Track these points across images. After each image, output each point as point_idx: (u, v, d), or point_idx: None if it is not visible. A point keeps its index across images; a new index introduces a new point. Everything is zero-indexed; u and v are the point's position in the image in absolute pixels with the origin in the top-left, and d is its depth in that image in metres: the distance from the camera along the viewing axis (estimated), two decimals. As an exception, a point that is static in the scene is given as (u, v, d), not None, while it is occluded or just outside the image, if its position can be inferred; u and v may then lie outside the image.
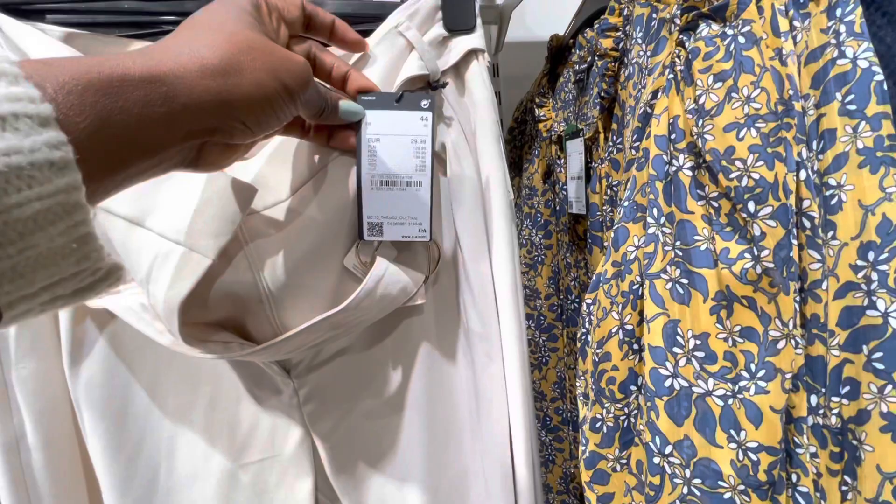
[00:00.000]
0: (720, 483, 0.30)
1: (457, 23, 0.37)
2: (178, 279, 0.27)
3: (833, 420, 0.29)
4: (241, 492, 0.36)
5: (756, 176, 0.28)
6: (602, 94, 0.48)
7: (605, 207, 0.51)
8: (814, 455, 0.30)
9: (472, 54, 0.39)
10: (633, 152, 0.40)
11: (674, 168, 0.34)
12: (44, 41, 0.29)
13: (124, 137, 0.17)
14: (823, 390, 0.30)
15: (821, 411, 0.30)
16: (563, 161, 0.62)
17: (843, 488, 0.30)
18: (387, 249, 0.35)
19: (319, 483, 0.38)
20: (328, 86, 0.31)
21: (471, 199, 0.40)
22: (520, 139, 0.75)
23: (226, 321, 0.33)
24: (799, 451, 0.30)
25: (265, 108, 0.22)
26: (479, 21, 0.39)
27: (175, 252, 0.28)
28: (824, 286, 0.29)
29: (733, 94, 0.29)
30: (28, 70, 0.14)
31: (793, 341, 0.28)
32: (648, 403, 0.33)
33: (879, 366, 0.27)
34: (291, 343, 0.31)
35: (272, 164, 0.32)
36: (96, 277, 0.17)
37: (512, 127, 0.76)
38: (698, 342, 0.31)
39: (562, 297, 0.67)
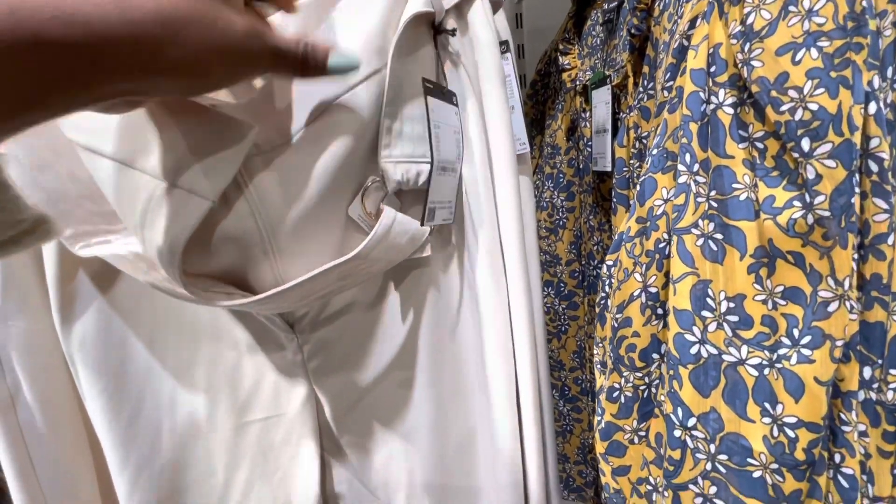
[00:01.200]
0: (749, 460, 0.27)
1: None
2: (175, 223, 0.26)
3: (890, 395, 0.25)
4: (246, 449, 0.36)
5: (814, 107, 0.24)
6: (633, 31, 0.42)
7: (632, 162, 0.47)
8: (863, 434, 0.26)
9: None
10: (666, 94, 0.35)
11: (712, 106, 0.29)
12: None
13: (23, 80, 0.14)
14: (880, 362, 0.25)
15: (875, 385, 0.26)
16: (588, 114, 0.57)
17: (896, 472, 0.26)
18: (392, 200, 0.33)
19: (325, 441, 0.38)
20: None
21: (478, 150, 0.37)
22: (542, 93, 0.70)
23: (227, 273, 0.32)
24: (845, 428, 0.26)
25: (195, 82, 0.19)
26: None
27: (172, 195, 0.26)
28: (890, 241, 0.25)
29: (791, 8, 0.24)
30: None
31: (847, 304, 0.24)
32: (671, 372, 0.30)
33: (954, 334, 0.23)
34: (296, 293, 0.29)
35: (270, 101, 0.29)
36: (19, 230, 0.15)
37: (534, 80, 0.70)
38: (731, 305, 0.28)
39: (583, 262, 0.63)
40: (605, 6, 0.50)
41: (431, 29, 0.34)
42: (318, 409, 0.37)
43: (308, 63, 0.24)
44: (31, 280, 0.32)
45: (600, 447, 0.40)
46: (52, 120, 0.17)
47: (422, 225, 0.33)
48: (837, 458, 0.27)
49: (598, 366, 0.41)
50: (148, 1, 0.17)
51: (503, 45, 0.42)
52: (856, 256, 0.25)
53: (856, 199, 0.24)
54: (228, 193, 0.29)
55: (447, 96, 0.34)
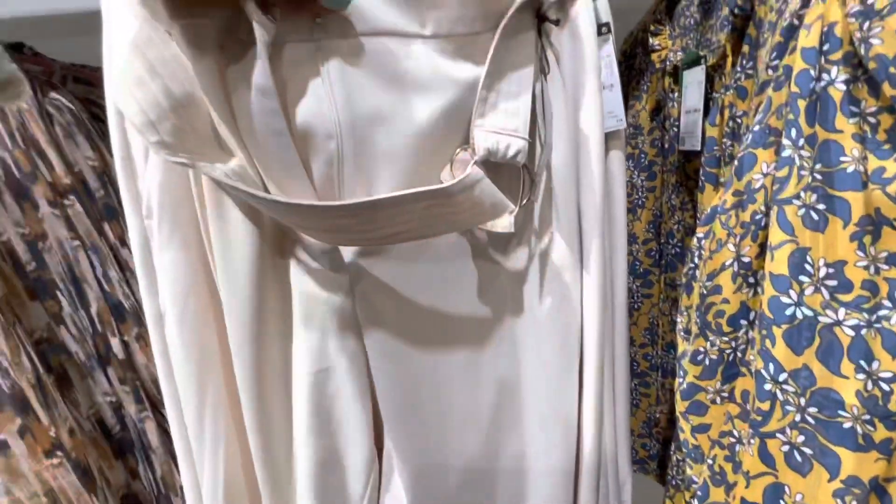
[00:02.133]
0: (840, 412, 0.29)
1: None
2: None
3: None
4: (302, 397, 0.37)
5: (933, 82, 0.25)
6: (736, 10, 0.43)
7: (724, 141, 0.48)
8: (960, 396, 0.28)
9: None
10: (771, 72, 0.36)
11: (822, 83, 0.31)
12: None
13: None
14: (984, 328, 0.27)
15: (977, 351, 0.27)
16: (676, 94, 0.58)
17: None
18: (480, 168, 0.34)
19: (379, 400, 0.39)
20: None
21: (566, 136, 0.39)
22: (626, 75, 0.71)
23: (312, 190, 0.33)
24: (942, 389, 0.28)
25: None
26: None
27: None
28: None
29: (915, -12, 0.25)
30: None
31: (954, 268, 0.26)
32: (764, 331, 0.32)
33: None
34: (383, 213, 0.30)
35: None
36: None
37: (619, 62, 0.71)
38: (831, 270, 0.30)
39: (662, 241, 0.65)
40: (703, -14, 0.51)
41: (535, 16, 0.36)
42: (368, 371, 0.38)
43: None
44: (184, 214, 0.36)
45: (681, 406, 0.43)
46: None
47: (523, 203, 0.35)
48: (931, 416, 0.28)
49: (682, 333, 0.44)
50: None
51: (605, 26, 0.44)
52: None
53: (970, 171, 0.25)
54: (310, 75, 0.30)
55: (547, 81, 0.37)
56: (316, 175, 0.34)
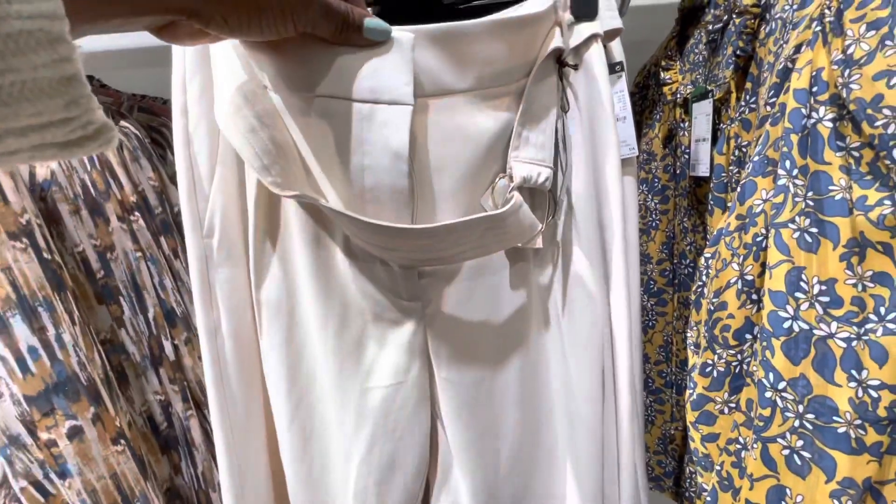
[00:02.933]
0: (835, 418, 0.32)
1: (581, 12, 0.43)
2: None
3: (974, 372, 0.29)
4: (370, 410, 0.40)
5: (905, 123, 0.29)
6: (738, 52, 0.48)
7: (731, 168, 0.51)
8: (947, 405, 0.30)
9: (592, 38, 0.44)
10: (769, 108, 0.40)
11: (812, 120, 0.34)
12: None
13: None
14: (965, 342, 0.29)
15: (960, 363, 0.30)
16: (686, 124, 0.62)
17: (979, 441, 0.30)
18: (516, 194, 0.40)
19: (435, 409, 0.42)
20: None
21: (584, 163, 0.44)
22: (640, 105, 0.75)
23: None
24: (929, 398, 0.30)
25: (252, 17, 0.21)
26: (599, 9, 0.43)
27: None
28: (978, 237, 0.29)
29: (888, 42, 0.29)
30: None
31: (930, 286, 0.29)
32: (764, 343, 0.35)
33: None
34: (444, 238, 0.34)
35: (435, 53, 0.33)
36: (86, 133, 0.16)
37: (633, 93, 0.76)
38: (824, 287, 0.33)
39: (675, 261, 0.67)
40: (710, 27, 0.55)
41: (556, 62, 0.41)
42: (431, 378, 0.41)
43: (348, 21, 0.26)
44: (236, 236, 0.40)
45: (691, 416, 0.45)
46: (116, 28, 0.19)
47: (552, 217, 0.40)
48: (920, 424, 0.31)
49: (692, 347, 0.47)
50: None
51: (618, 65, 0.49)
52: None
53: (944, 200, 0.29)
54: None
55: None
56: (396, 211, 0.38)
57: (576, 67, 0.42)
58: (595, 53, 0.44)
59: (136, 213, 0.59)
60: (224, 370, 0.42)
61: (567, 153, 0.43)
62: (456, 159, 0.38)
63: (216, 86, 0.36)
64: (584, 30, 0.43)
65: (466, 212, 0.39)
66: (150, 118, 0.70)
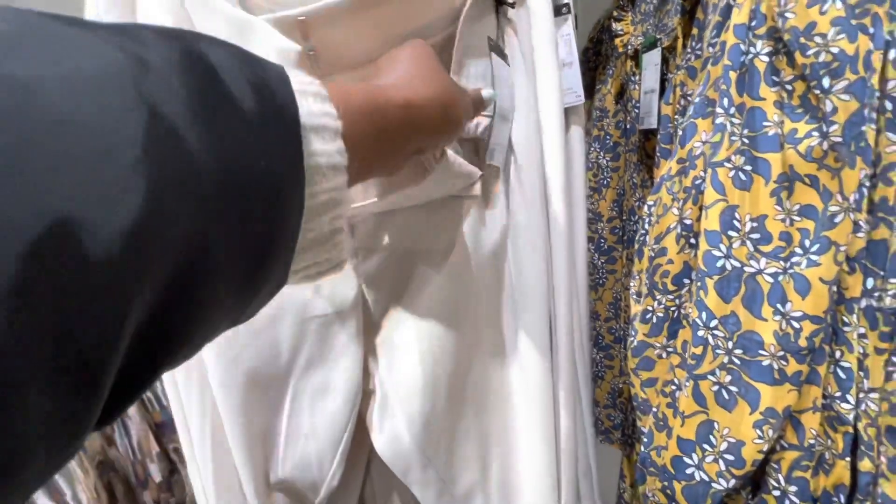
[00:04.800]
0: (760, 352, 0.32)
1: None
2: None
3: (888, 302, 0.30)
4: (308, 337, 0.42)
5: (835, 50, 0.28)
6: (685, -6, 0.46)
7: (676, 118, 0.51)
8: (862, 335, 0.31)
9: None
10: (711, 49, 0.39)
11: (750, 56, 0.34)
12: None
13: (376, 150, 0.21)
14: (882, 273, 0.30)
15: (876, 294, 0.31)
16: (637, 77, 0.61)
17: (889, 368, 0.31)
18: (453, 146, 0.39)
19: (367, 342, 0.43)
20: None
21: (525, 107, 0.42)
22: (594, 60, 0.74)
23: None
24: (846, 329, 0.31)
25: (453, 136, 0.28)
26: None
27: None
28: (898, 169, 0.29)
29: (822, -34, 0.29)
30: (330, 92, 0.18)
31: (850, 215, 0.29)
32: (699, 283, 0.36)
33: (946, 246, 0.28)
34: (373, 207, 0.36)
35: (356, 23, 0.34)
36: (331, 265, 0.20)
37: (587, 48, 0.74)
38: (755, 224, 0.33)
39: (624, 218, 0.68)
40: (660, -27, 0.54)
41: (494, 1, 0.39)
42: (365, 312, 0.42)
43: (478, 104, 0.32)
44: None
45: (632, 363, 0.46)
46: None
47: (487, 162, 0.39)
48: (838, 354, 0.32)
49: (634, 296, 0.47)
50: (445, 95, 0.26)
51: (565, 7, 0.47)
52: (867, 184, 0.30)
53: (868, 131, 0.29)
54: None
55: (503, 55, 0.39)
56: None
57: (512, 5, 0.39)
58: None
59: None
60: None
61: (503, 98, 0.41)
62: None
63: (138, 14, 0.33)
64: None
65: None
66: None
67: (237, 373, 0.42)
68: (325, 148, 0.17)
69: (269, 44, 0.31)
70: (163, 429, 0.62)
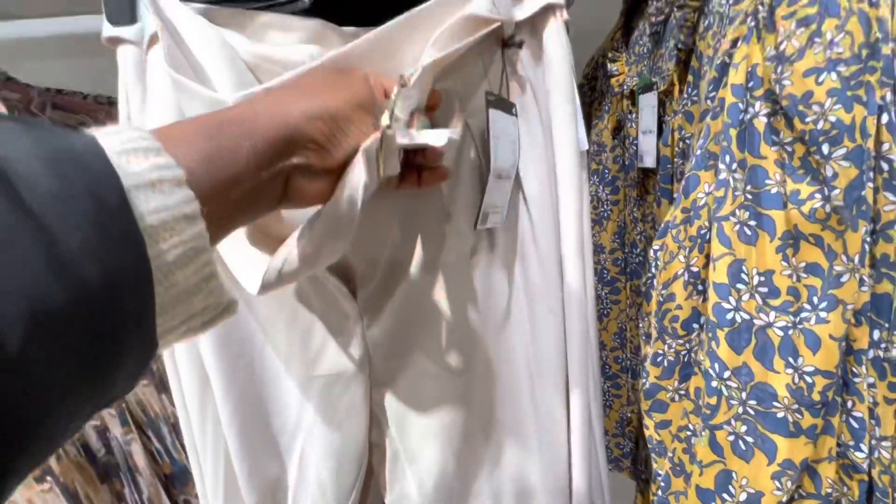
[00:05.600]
0: (775, 404, 0.33)
1: None
2: None
3: (894, 353, 0.31)
4: (313, 396, 0.42)
5: (833, 119, 0.30)
6: (679, 45, 0.48)
7: (676, 160, 0.53)
8: (871, 385, 0.32)
9: (549, 10, 0.38)
10: (709, 102, 0.41)
11: (749, 115, 0.35)
12: (188, 15, 0.34)
13: (223, 173, 0.20)
14: (887, 325, 0.31)
15: (882, 345, 0.32)
16: (634, 116, 0.62)
17: (900, 416, 0.32)
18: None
19: (374, 396, 0.43)
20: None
21: (542, 161, 0.41)
22: (589, 96, 0.76)
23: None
24: (856, 380, 0.32)
25: (327, 122, 0.25)
26: None
27: None
28: (897, 227, 0.30)
29: (816, 40, 0.30)
30: (163, 141, 0.17)
31: (856, 275, 0.30)
32: (710, 334, 0.36)
33: (948, 302, 0.29)
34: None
35: None
36: (218, 311, 0.20)
37: (581, 84, 0.76)
38: (762, 279, 0.34)
39: (626, 251, 0.69)
40: (653, 19, 0.56)
41: (502, 43, 0.37)
42: (372, 371, 0.41)
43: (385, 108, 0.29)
44: None
45: (645, 405, 0.46)
46: (254, 212, 0.23)
47: (475, 228, 0.37)
48: (850, 404, 0.33)
49: (643, 337, 0.48)
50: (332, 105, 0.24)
51: None
52: (868, 240, 0.31)
53: (867, 193, 0.30)
54: None
55: (507, 107, 0.37)
56: None
57: (520, 45, 0.37)
58: (554, 30, 0.38)
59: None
60: (178, 368, 0.42)
61: (509, 154, 0.38)
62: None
63: (149, 100, 0.34)
64: None
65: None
66: (67, 116, 0.64)
67: (250, 420, 0.42)
68: (166, 202, 0.16)
69: None
70: (173, 481, 0.61)
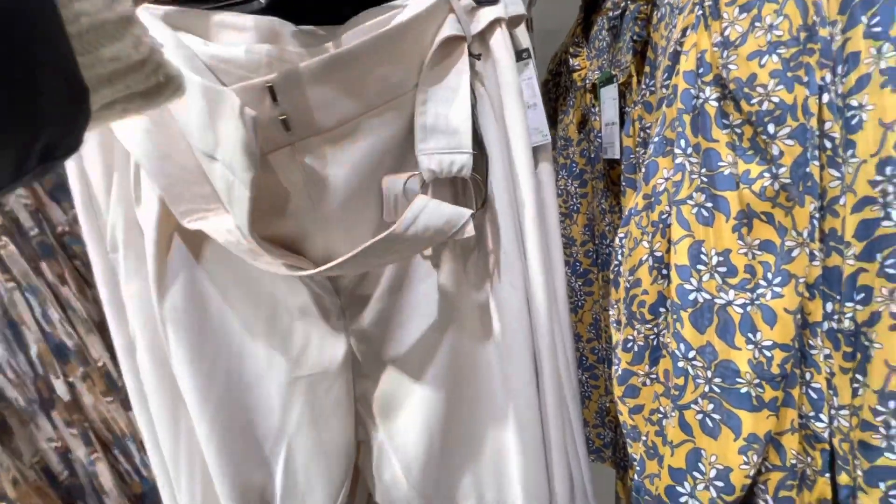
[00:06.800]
0: (738, 380, 0.34)
1: None
2: (238, 205, 0.33)
3: (847, 324, 0.32)
4: (297, 397, 0.42)
5: (776, 99, 0.31)
6: (635, 37, 0.49)
7: (638, 150, 0.54)
8: (828, 356, 0.33)
9: (496, 23, 0.42)
10: (664, 90, 0.42)
11: (700, 101, 0.36)
12: (147, 20, 0.35)
13: None
14: (838, 297, 0.32)
15: (835, 317, 0.33)
16: (597, 109, 0.64)
17: (855, 385, 0.33)
18: (435, 190, 0.39)
19: (358, 394, 0.43)
20: None
21: (497, 154, 0.43)
22: (554, 91, 0.77)
23: (290, 241, 0.39)
24: (813, 352, 0.33)
25: None
26: None
27: (234, 182, 0.33)
28: (842, 202, 0.32)
29: (756, 24, 0.31)
30: None
31: (806, 249, 0.31)
32: (675, 316, 0.37)
33: (891, 271, 0.30)
34: (343, 268, 0.35)
35: (326, 87, 0.34)
36: (160, 79, 0.19)
37: (546, 80, 0.77)
38: (720, 258, 0.35)
39: (597, 242, 0.70)
40: (610, 14, 0.57)
41: (469, 53, 0.40)
42: (354, 366, 0.42)
43: None
44: (143, 247, 0.38)
45: (618, 391, 0.47)
46: None
47: (479, 208, 0.38)
48: (808, 376, 0.34)
49: (614, 324, 0.49)
50: None
51: (524, 52, 0.49)
52: (817, 216, 0.32)
53: (813, 170, 0.31)
54: (291, 175, 0.35)
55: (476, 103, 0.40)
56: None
57: (478, 57, 0.41)
58: (500, 39, 0.42)
59: (4, 238, 0.51)
60: (146, 387, 0.41)
61: (488, 143, 0.41)
62: (362, 181, 0.37)
63: None
64: (485, 14, 0.42)
65: (377, 207, 0.39)
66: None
67: (230, 430, 0.41)
68: None
69: (237, 112, 0.31)
70: (143, 500, 0.59)
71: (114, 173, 0.38)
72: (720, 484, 0.35)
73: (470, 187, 0.41)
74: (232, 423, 0.41)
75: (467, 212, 0.38)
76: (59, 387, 0.53)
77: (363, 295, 0.41)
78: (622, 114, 0.57)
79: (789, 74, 0.30)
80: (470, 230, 0.39)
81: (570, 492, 0.46)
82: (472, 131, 0.38)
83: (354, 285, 0.41)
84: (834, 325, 0.33)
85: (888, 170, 0.30)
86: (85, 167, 0.38)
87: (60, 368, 0.53)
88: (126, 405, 0.60)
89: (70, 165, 0.38)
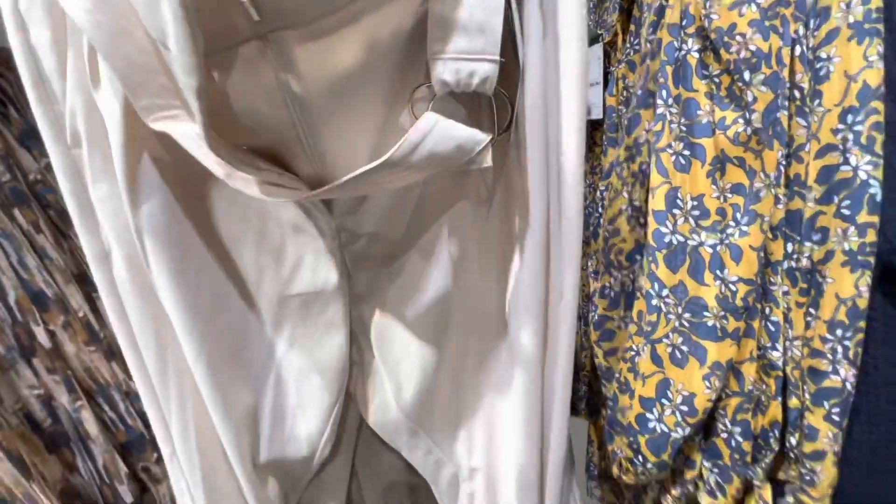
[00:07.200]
0: (705, 314, 0.37)
1: None
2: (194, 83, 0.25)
3: (804, 262, 0.35)
4: (288, 316, 0.39)
5: (753, 47, 0.32)
6: (622, -6, 0.50)
7: (620, 108, 0.55)
8: (786, 293, 0.36)
9: None
10: (648, 45, 0.43)
11: (683, 52, 0.38)
12: None
13: None
14: (798, 238, 0.35)
15: (794, 256, 0.36)
16: (582, 70, 0.65)
17: (808, 318, 0.36)
18: (443, 106, 0.29)
19: (353, 315, 0.41)
20: None
21: (536, 57, 0.31)
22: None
23: (267, 152, 0.33)
24: (773, 288, 0.36)
25: None
26: None
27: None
28: (807, 148, 0.34)
29: (739, -26, 0.33)
30: None
31: (773, 191, 0.34)
32: (650, 258, 0.40)
33: (846, 212, 0.33)
34: (331, 194, 0.30)
35: None
36: None
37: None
38: (695, 203, 0.37)
39: (577, 203, 0.72)
40: (598, -27, 0.57)
41: None
42: (351, 287, 0.39)
43: None
44: (109, 146, 0.32)
45: (594, 336, 0.50)
46: None
47: (500, 133, 0.30)
48: (767, 310, 0.37)
49: (592, 274, 0.51)
50: None
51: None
52: (784, 162, 0.35)
53: (783, 118, 0.33)
54: (262, 76, 0.28)
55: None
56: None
57: None
58: None
59: (-25, 182, 0.49)
60: (125, 301, 0.36)
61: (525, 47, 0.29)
62: (355, 90, 0.31)
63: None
64: None
65: (373, 125, 0.32)
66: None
67: (218, 349, 0.38)
68: None
69: None
70: (129, 448, 0.60)
71: (68, 50, 0.31)
72: (685, 408, 0.38)
73: (493, 107, 0.31)
74: (220, 343, 0.38)
75: (484, 137, 0.29)
76: (40, 334, 0.53)
77: (359, 218, 0.38)
78: (606, 74, 0.59)
79: (766, 23, 0.32)
80: (487, 160, 0.30)
81: (564, 461, 0.44)
82: (504, 31, 0.28)
83: (350, 208, 0.37)
84: (793, 263, 0.36)
85: (849, 118, 0.32)
86: (31, 40, 0.31)
87: (40, 316, 0.53)
88: (108, 356, 0.60)
89: (13, 36, 0.31)
